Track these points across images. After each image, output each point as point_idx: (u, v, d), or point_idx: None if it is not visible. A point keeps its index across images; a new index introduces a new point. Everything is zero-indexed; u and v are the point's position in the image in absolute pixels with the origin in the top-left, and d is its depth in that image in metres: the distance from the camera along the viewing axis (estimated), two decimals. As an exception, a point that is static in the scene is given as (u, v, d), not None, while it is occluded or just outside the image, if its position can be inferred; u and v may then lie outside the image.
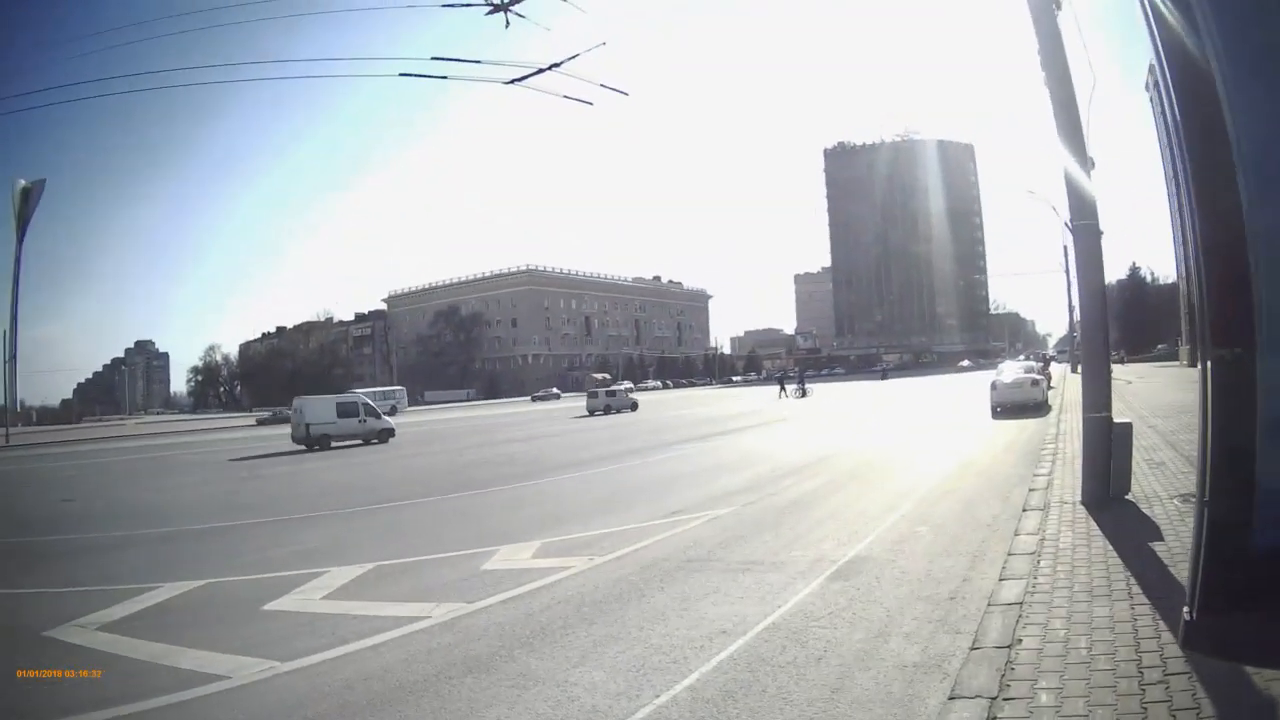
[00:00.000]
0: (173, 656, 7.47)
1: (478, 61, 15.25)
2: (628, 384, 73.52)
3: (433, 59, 15.83)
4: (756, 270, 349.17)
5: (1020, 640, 6.18)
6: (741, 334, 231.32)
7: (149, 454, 44.28)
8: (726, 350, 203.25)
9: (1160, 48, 4.97)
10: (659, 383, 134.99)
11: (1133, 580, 7.42)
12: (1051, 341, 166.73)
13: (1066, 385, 39.68)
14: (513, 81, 15.51)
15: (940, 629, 6.95)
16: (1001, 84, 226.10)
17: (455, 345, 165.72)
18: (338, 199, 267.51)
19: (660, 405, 61.98)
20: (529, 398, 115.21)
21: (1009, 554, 8.96)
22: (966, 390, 43.32)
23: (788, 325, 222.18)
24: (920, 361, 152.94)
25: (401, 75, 16.99)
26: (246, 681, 6.73)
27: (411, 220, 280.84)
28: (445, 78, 15.98)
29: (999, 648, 6.10)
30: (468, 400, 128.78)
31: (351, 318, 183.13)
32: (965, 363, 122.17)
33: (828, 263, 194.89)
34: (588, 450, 27.96)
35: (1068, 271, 55.24)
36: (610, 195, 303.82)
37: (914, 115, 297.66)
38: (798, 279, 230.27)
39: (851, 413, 39.73)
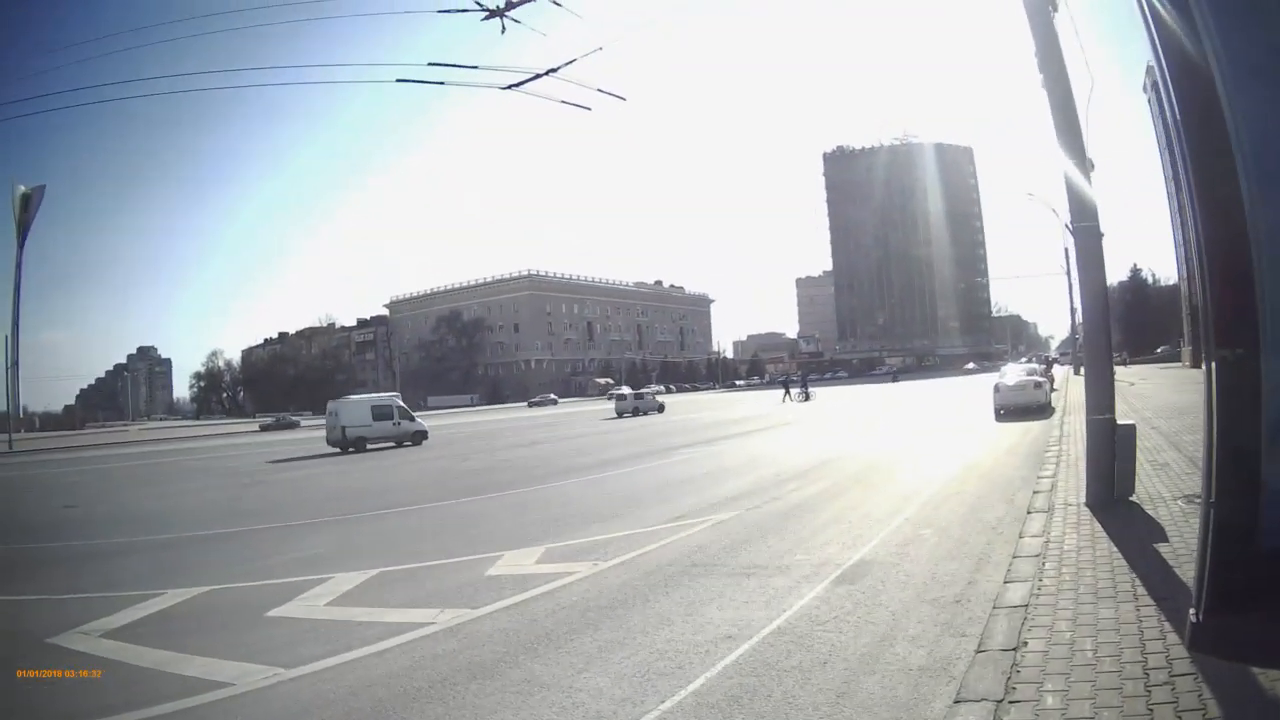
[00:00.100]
0: (177, 663, 7.47)
1: (474, 67, 15.28)
2: (658, 387, 73.52)
3: (429, 64, 15.73)
4: (758, 274, 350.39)
5: (1026, 643, 6.17)
6: (744, 338, 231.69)
7: (152, 460, 44.31)
8: (729, 354, 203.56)
9: (1159, 48, 4.97)
10: (661, 387, 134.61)
11: (1138, 582, 7.41)
12: (1053, 344, 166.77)
13: (1069, 387, 39.67)
14: (510, 87, 15.53)
15: (945, 632, 6.94)
16: (1000, 87, 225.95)
17: (457, 350, 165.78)
18: (339, 204, 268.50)
19: (669, 409, 61.85)
20: (525, 403, 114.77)
21: (1014, 557, 8.95)
22: (971, 393, 43.25)
23: (790, 329, 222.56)
24: (923, 365, 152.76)
25: (399, 81, 16.99)
26: (251, 688, 6.72)
27: (413, 225, 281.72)
28: (442, 83, 16.04)
29: (1004, 651, 6.09)
30: (471, 405, 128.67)
31: (354, 323, 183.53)
32: (971, 365, 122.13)
33: (829, 266, 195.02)
34: (594, 455, 27.93)
35: (1069, 273, 55.22)
36: (611, 200, 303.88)
37: (912, 119, 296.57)
38: (799, 283, 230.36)
39: (855, 416, 39.67)
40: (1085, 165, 11.88)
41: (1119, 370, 24.37)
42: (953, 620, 7.25)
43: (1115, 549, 8.73)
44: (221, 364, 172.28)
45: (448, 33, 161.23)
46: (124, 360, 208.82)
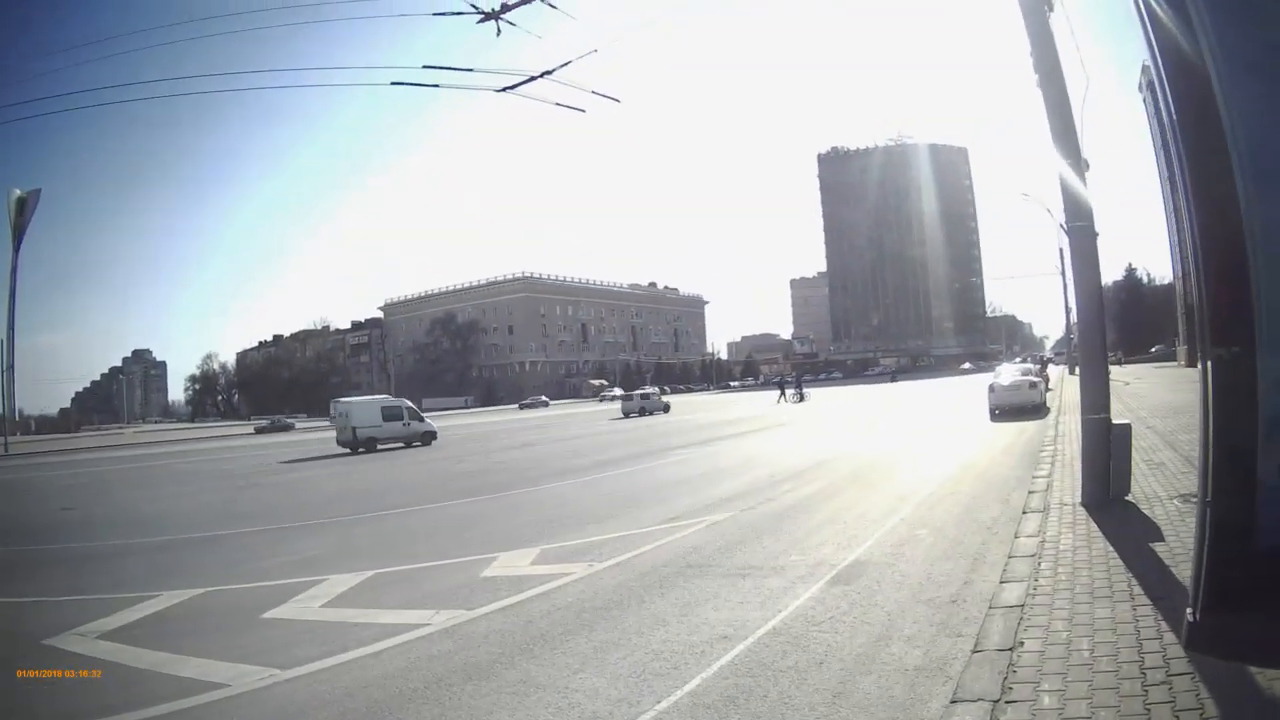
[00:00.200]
0: (173, 665, 7.45)
1: (469, 69, 15.28)
2: (653, 389, 74.13)
3: (424, 67, 15.74)
4: (752, 275, 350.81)
5: (1022, 643, 6.17)
6: (738, 339, 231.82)
7: (147, 463, 44.24)
8: (723, 356, 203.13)
9: (1155, 46, 4.98)
10: (656, 389, 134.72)
11: (1134, 581, 7.41)
12: (1048, 344, 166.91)
13: (1064, 387, 39.72)
14: (505, 89, 15.54)
15: (941, 632, 6.94)
16: (995, 87, 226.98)
17: (452, 353, 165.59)
18: (336, 206, 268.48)
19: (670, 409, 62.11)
20: (516, 405, 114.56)
21: (1010, 556, 8.95)
22: (967, 393, 43.29)
23: (784, 330, 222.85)
24: (918, 365, 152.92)
25: (393, 84, 16.95)
26: (246, 690, 6.70)
27: (408, 227, 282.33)
28: (437, 86, 16.00)
29: (1001, 650, 6.08)
30: (465, 407, 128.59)
31: (348, 326, 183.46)
32: (967, 365, 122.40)
33: (824, 267, 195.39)
34: (588, 456, 27.90)
35: (1064, 273, 55.23)
36: (607, 201, 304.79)
37: (907, 120, 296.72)
38: (794, 284, 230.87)
39: (850, 417, 39.65)
40: (1080, 165, 11.90)
41: (1114, 370, 24.42)
42: (949, 620, 7.25)
43: (1111, 548, 8.73)
44: (216, 367, 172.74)
45: (444, 35, 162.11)
46: (119, 363, 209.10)
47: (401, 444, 41.27)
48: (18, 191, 78.40)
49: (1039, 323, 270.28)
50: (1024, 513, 11.27)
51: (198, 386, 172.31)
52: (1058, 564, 8.36)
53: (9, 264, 78.18)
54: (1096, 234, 12.06)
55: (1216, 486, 4.70)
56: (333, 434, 42.59)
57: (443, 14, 14.57)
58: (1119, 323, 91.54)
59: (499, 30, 14.14)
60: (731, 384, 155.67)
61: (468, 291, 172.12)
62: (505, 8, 13.95)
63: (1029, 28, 12.04)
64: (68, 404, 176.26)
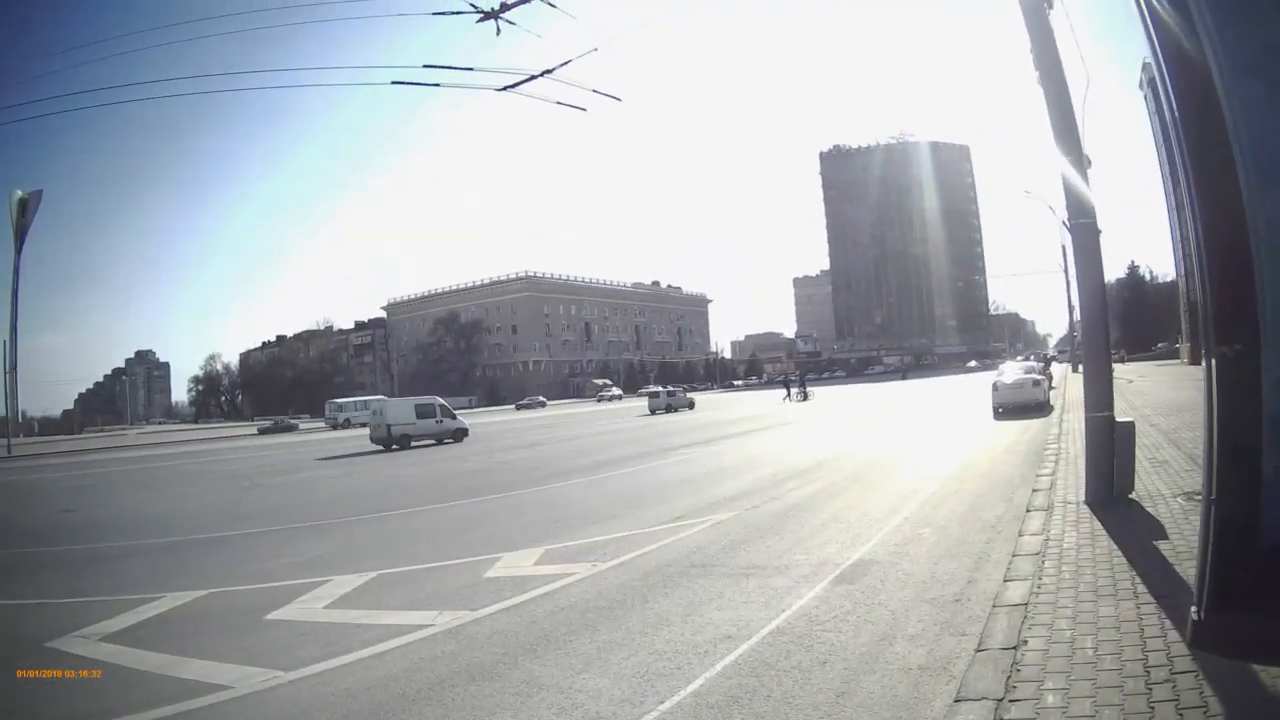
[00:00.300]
0: (176, 667, 7.46)
1: (469, 69, 15.28)
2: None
3: (425, 67, 15.75)
4: (756, 274, 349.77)
5: (1026, 641, 6.16)
6: (742, 338, 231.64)
7: (151, 464, 44.24)
8: (727, 355, 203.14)
9: (1156, 43, 4.96)
10: (660, 388, 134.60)
11: (1138, 579, 7.40)
12: (1051, 341, 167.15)
13: (1068, 385, 39.68)
14: (505, 88, 15.54)
15: (945, 631, 6.93)
16: (996, 85, 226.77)
17: (455, 352, 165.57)
18: (335, 207, 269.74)
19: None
20: (513, 406, 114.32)
21: (1013, 555, 8.94)
22: (973, 391, 43.21)
23: (788, 329, 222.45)
24: (921, 363, 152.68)
25: (394, 83, 16.95)
26: (250, 691, 6.71)
27: (410, 227, 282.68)
28: (438, 85, 16.02)
29: (1005, 649, 6.08)
30: (469, 407, 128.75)
31: (351, 326, 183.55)
32: (973, 363, 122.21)
33: (827, 266, 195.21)
34: (592, 456, 27.88)
35: (1066, 271, 55.28)
36: (609, 200, 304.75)
37: (909, 118, 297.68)
38: (797, 282, 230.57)
39: (853, 416, 39.60)
40: (1082, 163, 11.88)
41: (1117, 368, 24.40)
42: (952, 619, 7.24)
43: (1115, 547, 8.72)
44: (220, 367, 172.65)
45: (444, 34, 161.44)
46: (122, 364, 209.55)
47: (433, 441, 42.02)
48: (19, 192, 78.45)
49: (1042, 320, 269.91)
50: (1028, 511, 11.27)
51: (201, 387, 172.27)
52: (1061, 562, 8.35)
53: (11, 265, 78.19)
54: (1099, 231, 12.05)
55: (1221, 485, 4.69)
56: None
57: (442, 13, 14.59)
58: (1122, 320, 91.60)
59: (499, 29, 14.16)
60: (735, 383, 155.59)
61: (471, 291, 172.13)
62: (505, 7, 13.96)
63: (1029, 25, 12.03)
64: (71, 405, 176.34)
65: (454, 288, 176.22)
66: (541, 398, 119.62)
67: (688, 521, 13.20)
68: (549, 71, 15.09)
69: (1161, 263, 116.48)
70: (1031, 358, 68.79)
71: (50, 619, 9.68)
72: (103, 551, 14.90)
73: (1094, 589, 7.29)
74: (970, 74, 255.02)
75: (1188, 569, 7.11)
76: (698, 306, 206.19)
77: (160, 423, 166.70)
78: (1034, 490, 12.80)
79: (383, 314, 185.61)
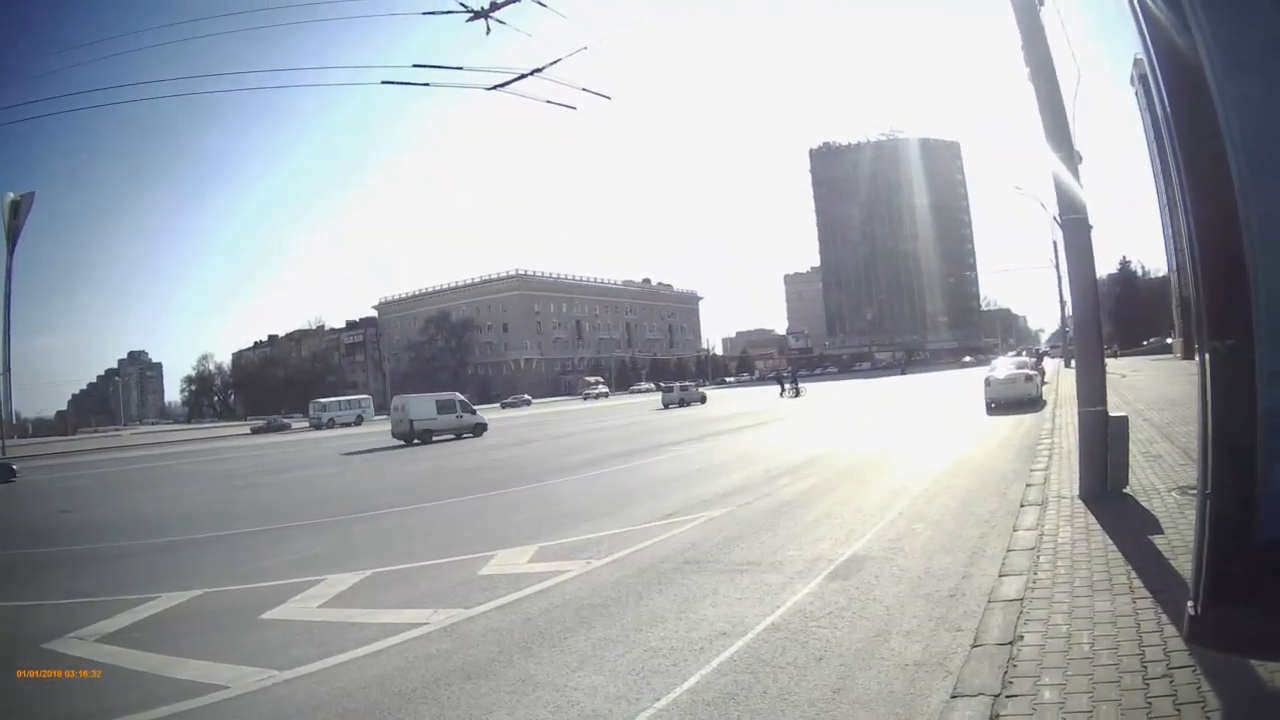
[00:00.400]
0: (172, 667, 7.44)
1: (459, 68, 15.27)
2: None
3: (414, 66, 15.75)
4: (746, 271, 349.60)
5: (1022, 636, 6.17)
6: (733, 335, 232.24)
7: (145, 464, 44.17)
8: (718, 352, 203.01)
9: (1148, 39, 4.96)
10: (652, 385, 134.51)
11: (1133, 574, 7.42)
12: (1043, 337, 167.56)
13: (1060, 380, 39.79)
14: (494, 88, 15.53)
15: (941, 627, 6.94)
16: (987, 81, 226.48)
17: (447, 351, 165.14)
18: (328, 206, 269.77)
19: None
20: (498, 404, 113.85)
21: (1008, 550, 8.95)
22: (967, 386, 43.26)
23: (779, 325, 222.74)
24: (913, 359, 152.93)
25: (384, 83, 16.93)
26: (245, 691, 6.70)
27: (402, 225, 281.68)
28: (428, 84, 16.02)
29: (1001, 645, 6.08)
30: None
31: (343, 325, 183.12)
32: (968, 359, 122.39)
33: (817, 262, 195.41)
34: (584, 453, 27.84)
35: (1058, 266, 55.21)
36: (598, 199, 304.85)
37: (899, 114, 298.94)
38: (787, 279, 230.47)
39: (846, 412, 39.61)
40: (1073, 159, 11.91)
41: (1110, 362, 24.46)
42: (948, 615, 7.25)
43: (1110, 541, 8.73)
44: (212, 368, 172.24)
45: (435, 34, 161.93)
46: (115, 365, 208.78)
47: (453, 435, 43.04)
48: (11, 195, 78.32)
49: (1034, 316, 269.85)
50: (1022, 506, 11.29)
51: (194, 388, 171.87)
52: (1056, 557, 8.36)
53: (4, 266, 78.09)
54: (1090, 227, 12.08)
55: (1216, 480, 4.68)
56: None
57: (432, 13, 14.56)
58: (1114, 316, 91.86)
59: (488, 28, 14.14)
60: (727, 379, 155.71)
61: (462, 290, 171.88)
62: (494, 6, 13.94)
63: (1020, 20, 12.05)
64: (65, 406, 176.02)
65: (445, 286, 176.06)
66: (526, 396, 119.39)
67: (681, 518, 13.20)
68: (538, 70, 15.09)
69: (1153, 258, 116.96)
70: (1024, 353, 69.03)
71: (47, 620, 9.67)
72: (99, 552, 14.87)
73: (1089, 584, 7.30)
74: (960, 70, 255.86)
75: (1183, 563, 7.13)
76: (688, 304, 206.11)
77: (154, 423, 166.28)
78: (1028, 485, 12.81)
79: (374, 313, 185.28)
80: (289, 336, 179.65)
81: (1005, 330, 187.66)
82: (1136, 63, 52.09)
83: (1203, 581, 4.64)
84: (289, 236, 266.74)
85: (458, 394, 47.52)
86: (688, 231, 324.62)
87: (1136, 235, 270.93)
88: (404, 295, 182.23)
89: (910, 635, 6.81)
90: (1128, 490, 11.29)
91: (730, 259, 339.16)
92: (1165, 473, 12.49)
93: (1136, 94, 57.83)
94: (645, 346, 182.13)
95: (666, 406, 61.76)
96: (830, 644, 6.74)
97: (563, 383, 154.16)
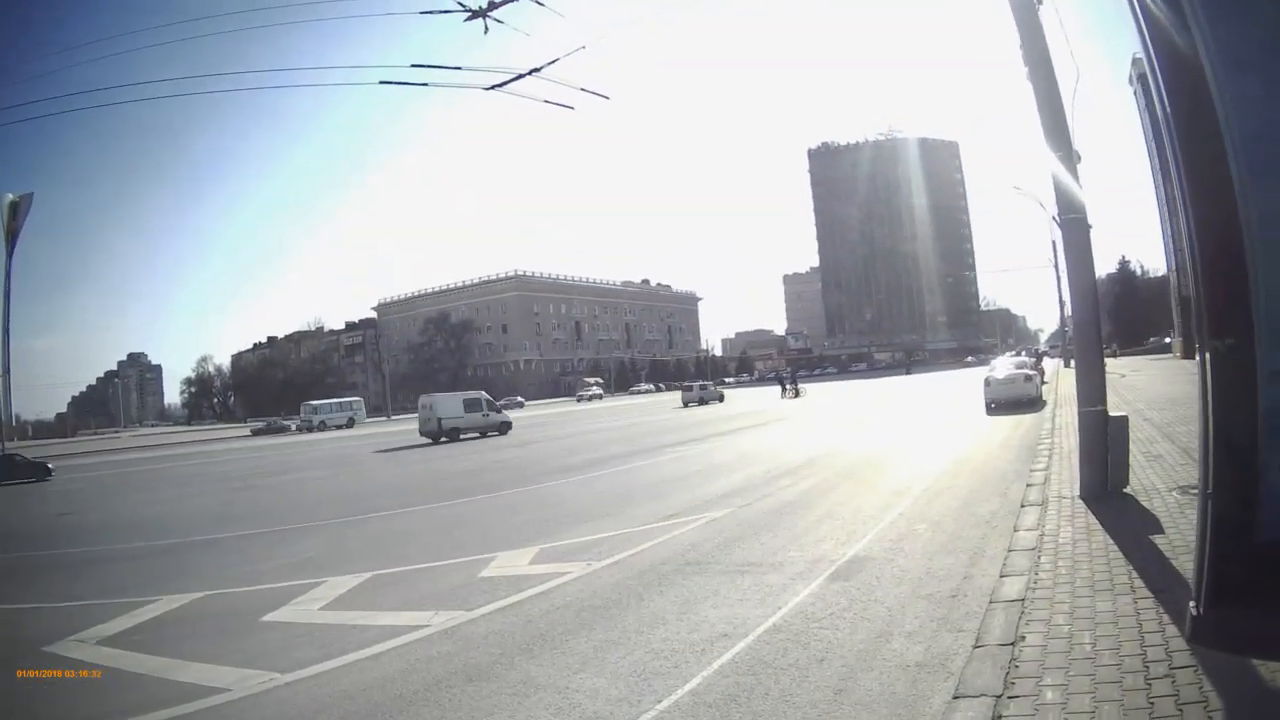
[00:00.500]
0: (174, 669, 7.45)
1: (457, 68, 15.25)
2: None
3: (413, 66, 15.76)
4: (745, 272, 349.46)
5: (1024, 637, 6.17)
6: (732, 335, 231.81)
7: (145, 466, 44.19)
8: (717, 352, 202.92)
9: (1147, 38, 4.96)
10: (651, 385, 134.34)
11: (1135, 574, 7.41)
12: (1043, 337, 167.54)
13: (1060, 380, 39.77)
14: (492, 88, 15.52)
15: (942, 627, 6.93)
16: (985, 81, 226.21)
17: (446, 352, 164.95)
18: (328, 207, 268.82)
19: (666, 407, 62.79)
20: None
21: (1009, 550, 8.95)
22: (968, 386, 43.28)
23: (778, 326, 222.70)
24: (914, 359, 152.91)
25: (382, 83, 16.91)
26: (247, 694, 6.71)
27: (401, 226, 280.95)
28: (425, 84, 16.01)
29: (1002, 645, 6.08)
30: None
31: (342, 326, 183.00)
32: (970, 358, 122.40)
33: (816, 263, 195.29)
34: (585, 454, 27.82)
35: (1057, 266, 55.20)
36: (597, 199, 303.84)
37: (897, 114, 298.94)
38: (786, 279, 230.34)
39: (846, 412, 39.59)
40: (1072, 158, 11.91)
41: (1109, 362, 24.46)
42: (949, 615, 7.24)
43: (1111, 541, 8.73)
44: (211, 369, 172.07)
45: (434, 33, 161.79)
46: (114, 367, 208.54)
47: (478, 433, 44.02)
48: (10, 195, 78.21)
49: (1033, 316, 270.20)
50: (1022, 506, 11.29)
51: (193, 389, 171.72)
52: (1057, 557, 8.36)
53: (3, 267, 77.97)
54: (1089, 226, 12.08)
55: (1217, 479, 4.68)
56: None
57: (430, 12, 14.57)
58: (1113, 315, 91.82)
59: (486, 28, 14.14)
60: (727, 380, 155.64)
61: (461, 290, 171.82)
62: (492, 5, 13.94)
63: (1019, 20, 12.05)
64: (64, 408, 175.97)
65: (444, 287, 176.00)
66: (520, 398, 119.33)
67: (681, 519, 13.19)
68: (536, 70, 15.07)
69: (1152, 257, 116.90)
70: (1023, 353, 69.05)
71: (48, 622, 9.69)
72: (99, 554, 14.89)
73: (1091, 584, 7.29)
74: (959, 70, 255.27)
75: (1184, 563, 7.13)
76: (688, 304, 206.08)
77: (153, 425, 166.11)
78: (1028, 485, 12.81)
79: (373, 314, 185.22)
80: (288, 338, 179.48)
81: (1004, 330, 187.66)
82: (1136, 62, 52.10)
83: (1204, 581, 4.64)
84: (288, 236, 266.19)
85: (484, 393, 48.35)
86: (686, 232, 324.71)
87: (1136, 235, 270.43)
88: (403, 296, 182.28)
89: (912, 636, 6.81)
90: (1128, 490, 11.28)
91: (729, 259, 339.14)
92: (1166, 472, 12.48)
93: (1136, 93, 57.74)
94: (644, 347, 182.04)
95: (686, 405, 62.73)
96: (832, 645, 6.73)
97: (562, 384, 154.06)
